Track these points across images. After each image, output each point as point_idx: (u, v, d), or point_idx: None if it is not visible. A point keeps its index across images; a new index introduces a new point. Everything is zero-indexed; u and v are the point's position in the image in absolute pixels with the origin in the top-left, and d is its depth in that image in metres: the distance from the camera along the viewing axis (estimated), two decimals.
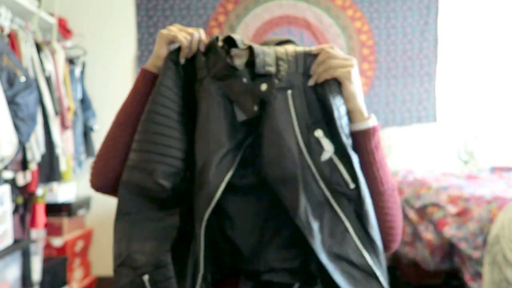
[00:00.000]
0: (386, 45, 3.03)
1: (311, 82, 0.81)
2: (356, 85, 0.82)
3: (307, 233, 0.75)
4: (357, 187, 0.77)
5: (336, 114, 0.79)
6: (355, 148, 0.82)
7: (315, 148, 0.77)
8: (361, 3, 3.02)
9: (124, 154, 0.87)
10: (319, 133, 0.78)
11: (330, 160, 0.77)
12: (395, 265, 2.66)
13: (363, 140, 0.82)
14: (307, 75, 0.82)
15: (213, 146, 0.78)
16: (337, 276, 0.75)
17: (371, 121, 0.83)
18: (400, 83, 3.03)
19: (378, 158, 0.83)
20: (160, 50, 0.87)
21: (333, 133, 0.79)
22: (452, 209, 1.89)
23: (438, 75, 3.02)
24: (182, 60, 0.86)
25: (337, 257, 0.76)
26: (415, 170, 2.54)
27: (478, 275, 1.71)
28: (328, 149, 0.77)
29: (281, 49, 0.84)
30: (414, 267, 2.27)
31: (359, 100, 0.82)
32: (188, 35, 0.87)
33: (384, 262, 0.78)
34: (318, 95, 0.80)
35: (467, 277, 1.76)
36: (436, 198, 2.00)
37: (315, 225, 0.75)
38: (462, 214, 1.84)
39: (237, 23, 3.01)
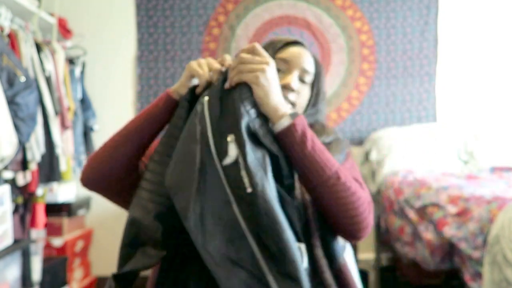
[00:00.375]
0: (386, 45, 3.03)
1: (225, 86, 0.84)
2: (265, 88, 0.83)
3: (193, 237, 0.75)
4: (254, 191, 0.75)
5: (246, 118, 0.80)
6: (284, 148, 0.84)
7: (225, 153, 0.78)
8: (361, 3, 3.02)
9: (120, 163, 0.92)
10: (231, 137, 0.78)
11: (235, 164, 0.77)
12: (395, 265, 2.66)
13: (287, 139, 0.83)
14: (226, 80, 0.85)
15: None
16: (229, 282, 0.74)
17: (285, 120, 0.83)
18: (400, 83, 3.03)
19: (308, 151, 0.83)
20: (185, 81, 0.90)
21: (250, 137, 0.80)
22: (452, 209, 1.89)
23: (438, 75, 3.02)
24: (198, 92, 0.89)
25: (232, 263, 0.74)
26: (415, 170, 2.54)
27: (478, 275, 1.71)
28: (232, 154, 0.77)
29: None
30: (414, 267, 2.27)
31: (270, 102, 0.83)
32: (210, 69, 0.88)
33: (293, 270, 0.74)
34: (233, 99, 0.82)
35: (467, 277, 1.76)
36: (436, 198, 2.01)
37: (210, 228, 0.75)
38: (462, 214, 1.84)
39: (237, 23, 3.01)
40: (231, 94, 0.82)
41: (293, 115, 0.84)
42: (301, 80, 1.02)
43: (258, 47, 0.86)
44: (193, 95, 0.88)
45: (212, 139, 0.78)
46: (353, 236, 0.89)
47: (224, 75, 0.85)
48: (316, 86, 1.06)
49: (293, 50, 1.03)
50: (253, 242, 0.74)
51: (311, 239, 0.87)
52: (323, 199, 0.85)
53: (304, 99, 1.03)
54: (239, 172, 0.76)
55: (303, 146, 0.83)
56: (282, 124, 0.83)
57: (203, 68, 0.88)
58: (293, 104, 1.00)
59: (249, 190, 0.75)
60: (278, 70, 0.99)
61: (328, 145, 0.97)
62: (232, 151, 0.77)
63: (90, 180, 0.96)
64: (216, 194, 0.76)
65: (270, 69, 0.84)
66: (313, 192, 0.86)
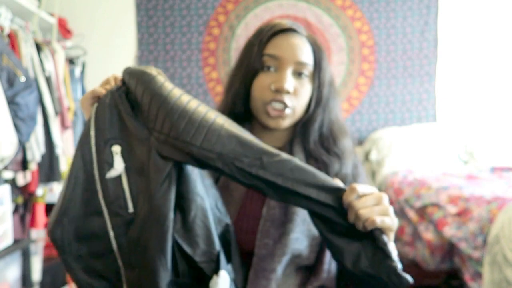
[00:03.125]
0: (386, 45, 3.03)
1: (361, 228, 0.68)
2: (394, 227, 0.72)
3: (59, 251, 0.71)
4: (135, 213, 0.70)
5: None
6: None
7: (106, 163, 0.70)
8: (361, 3, 3.02)
9: None
10: (116, 148, 0.71)
11: (117, 178, 0.70)
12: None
13: None
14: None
15: None
16: None
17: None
18: (400, 83, 3.03)
19: None
20: (86, 114, 0.77)
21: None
22: (452, 209, 1.89)
23: (438, 75, 3.02)
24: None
25: (98, 274, 0.72)
26: (415, 170, 2.54)
27: (478, 275, 1.71)
28: (118, 168, 0.70)
29: None
30: (414, 267, 2.27)
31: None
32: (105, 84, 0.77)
33: None
34: (124, 110, 0.72)
35: (467, 277, 1.76)
36: (436, 198, 2.00)
37: (76, 246, 0.71)
38: (462, 214, 1.84)
39: (237, 23, 3.01)
40: (116, 105, 0.72)
41: None
42: (298, 74, 0.88)
43: (360, 188, 0.68)
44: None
45: (95, 147, 0.71)
46: None
47: (122, 82, 0.75)
48: (317, 78, 0.90)
49: (283, 42, 0.87)
50: (120, 261, 0.70)
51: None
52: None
53: (307, 97, 0.89)
54: (121, 187, 0.70)
55: None
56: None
57: (98, 89, 0.76)
58: (291, 108, 0.87)
59: (130, 210, 0.69)
60: (268, 69, 0.87)
61: (355, 180, 0.89)
62: (119, 164, 0.70)
63: None
64: (90, 206, 0.71)
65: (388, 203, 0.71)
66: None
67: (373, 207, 0.68)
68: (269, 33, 0.88)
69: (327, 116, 0.91)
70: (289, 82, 0.86)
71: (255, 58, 0.88)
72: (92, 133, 0.71)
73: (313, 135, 0.91)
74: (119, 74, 0.76)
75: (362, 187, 0.69)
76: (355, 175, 0.91)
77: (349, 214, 0.68)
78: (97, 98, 0.74)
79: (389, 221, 0.69)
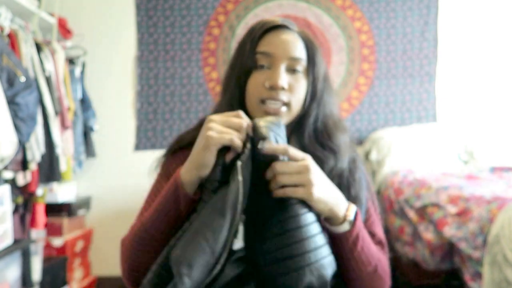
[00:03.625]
0: (386, 45, 3.03)
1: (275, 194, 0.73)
2: (322, 199, 0.74)
3: None
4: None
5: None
6: (334, 244, 0.79)
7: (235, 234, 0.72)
8: (361, 3, 3.02)
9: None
10: (242, 218, 0.74)
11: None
12: (395, 265, 2.65)
13: (340, 241, 0.79)
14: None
15: None
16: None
17: (345, 226, 0.78)
18: (400, 83, 3.03)
19: (357, 252, 0.80)
20: (209, 158, 0.73)
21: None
22: (452, 209, 1.89)
23: (438, 75, 3.02)
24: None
25: None
26: (415, 170, 2.54)
27: (478, 275, 1.71)
28: (239, 238, 0.73)
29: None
30: (414, 267, 2.27)
31: (327, 207, 0.76)
32: (239, 130, 0.74)
33: None
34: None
35: (467, 277, 1.76)
36: (436, 198, 2.00)
37: None
38: (462, 214, 1.84)
39: (237, 23, 3.01)
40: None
41: (353, 215, 0.79)
42: (292, 70, 0.87)
43: (291, 150, 0.74)
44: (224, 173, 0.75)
45: (239, 214, 0.69)
46: None
47: (251, 142, 0.73)
48: (311, 73, 0.89)
49: (275, 39, 0.87)
50: None
51: None
52: (354, 285, 0.84)
53: (302, 92, 0.88)
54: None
55: (353, 249, 0.80)
56: (340, 228, 0.78)
57: (227, 133, 0.73)
58: (287, 104, 0.87)
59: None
60: (262, 67, 0.87)
61: (351, 175, 0.90)
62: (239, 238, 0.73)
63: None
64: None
65: (315, 171, 0.74)
66: (348, 280, 0.84)
67: (292, 174, 0.72)
68: (260, 31, 0.88)
69: (321, 111, 0.91)
70: (283, 78, 0.85)
71: (248, 57, 0.88)
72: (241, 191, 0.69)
73: (308, 130, 0.90)
74: (244, 117, 0.75)
75: (294, 151, 0.74)
76: (352, 169, 0.91)
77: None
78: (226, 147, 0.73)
79: (302, 192, 0.72)
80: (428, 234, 1.96)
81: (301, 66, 0.88)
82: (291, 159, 0.74)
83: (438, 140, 2.77)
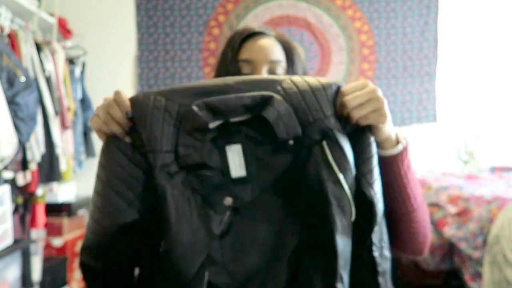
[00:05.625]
0: (386, 45, 3.03)
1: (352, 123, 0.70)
2: (388, 118, 0.74)
3: None
4: None
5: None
6: (387, 173, 0.77)
7: None
8: (361, 3, 3.02)
9: None
10: None
11: None
12: (395, 265, 2.65)
13: (395, 164, 0.78)
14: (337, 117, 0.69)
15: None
16: None
17: (401, 145, 0.78)
18: (400, 83, 3.03)
19: (411, 177, 0.80)
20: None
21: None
22: (452, 209, 1.89)
23: (438, 75, 3.02)
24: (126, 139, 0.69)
25: None
26: (415, 170, 2.54)
27: (478, 275, 1.71)
28: None
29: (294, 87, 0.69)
30: (414, 267, 2.27)
31: (387, 130, 0.75)
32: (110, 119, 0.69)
33: None
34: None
35: (467, 277, 1.76)
36: (436, 198, 2.00)
37: None
38: (462, 214, 1.84)
39: (237, 23, 3.01)
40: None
41: (405, 140, 0.80)
42: (273, 72, 0.93)
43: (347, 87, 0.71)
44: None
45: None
46: (419, 253, 0.87)
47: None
48: (291, 71, 0.95)
49: (253, 46, 0.93)
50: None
51: None
52: (412, 222, 0.82)
53: None
54: None
55: (407, 171, 0.79)
56: (395, 150, 0.78)
57: (108, 125, 0.69)
58: None
59: None
60: (246, 74, 0.91)
61: None
62: None
63: None
64: None
65: (380, 93, 0.72)
66: (402, 218, 0.81)
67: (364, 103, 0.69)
68: (239, 40, 0.93)
69: None
70: None
71: (230, 66, 0.93)
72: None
73: None
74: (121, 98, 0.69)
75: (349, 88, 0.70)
76: None
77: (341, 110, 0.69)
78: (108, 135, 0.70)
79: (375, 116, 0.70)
80: None
81: (281, 67, 0.93)
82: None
83: (438, 140, 2.77)
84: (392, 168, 0.78)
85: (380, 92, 0.71)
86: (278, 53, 0.93)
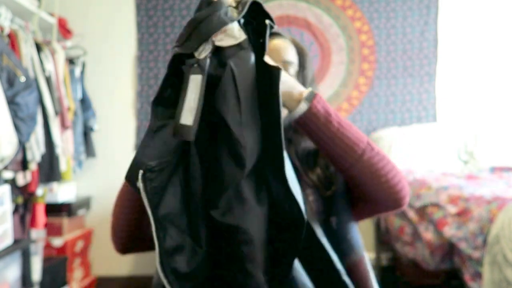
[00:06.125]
0: (386, 45, 3.03)
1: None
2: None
3: None
4: None
5: None
6: (309, 133, 0.78)
7: None
8: (361, 3, 3.02)
9: (139, 224, 0.87)
10: None
11: None
12: (395, 265, 2.66)
13: (310, 123, 0.77)
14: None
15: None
16: None
17: (303, 104, 0.76)
18: (400, 83, 3.03)
19: (336, 129, 0.77)
20: None
21: None
22: (452, 209, 1.89)
23: (438, 75, 3.02)
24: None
25: None
26: (415, 170, 2.54)
27: (478, 275, 1.71)
28: None
29: None
30: (414, 267, 2.27)
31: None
32: None
33: None
34: None
35: (467, 277, 1.76)
36: (436, 198, 2.00)
37: None
38: (462, 214, 1.84)
39: None
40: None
41: (310, 95, 0.77)
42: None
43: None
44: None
45: None
46: (397, 205, 0.84)
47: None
48: (302, 76, 0.98)
49: (269, 44, 0.94)
50: None
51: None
52: (362, 175, 0.80)
53: None
54: None
55: (329, 126, 0.77)
56: (301, 109, 0.76)
57: None
58: None
59: None
60: None
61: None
62: None
63: (127, 248, 0.93)
64: None
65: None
66: (350, 171, 0.80)
67: None
68: None
69: None
70: None
71: None
72: None
73: (285, 121, 0.96)
74: None
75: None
76: None
77: None
78: None
79: None
80: (428, 234, 1.96)
81: (293, 69, 0.95)
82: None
83: (438, 140, 2.77)
84: (311, 128, 0.78)
85: None
86: (291, 55, 0.95)
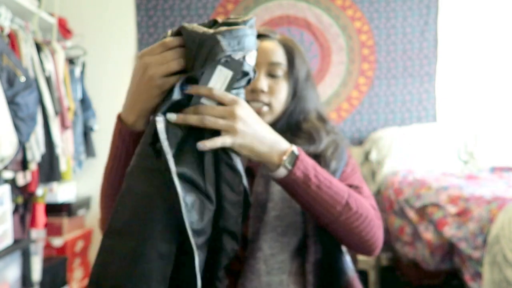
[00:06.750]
0: (386, 45, 3.03)
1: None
2: (249, 137, 0.72)
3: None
4: None
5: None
6: (287, 191, 0.80)
7: None
8: (361, 3, 3.02)
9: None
10: None
11: None
12: (395, 265, 2.65)
13: (288, 186, 0.78)
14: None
15: None
16: None
17: (282, 170, 0.76)
18: (400, 83, 3.03)
19: (314, 192, 0.78)
20: (155, 91, 0.71)
21: None
22: (452, 209, 1.89)
23: (438, 75, 3.02)
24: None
25: None
26: (415, 170, 2.54)
27: (478, 275, 1.71)
28: None
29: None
30: (414, 267, 2.27)
31: (260, 151, 0.74)
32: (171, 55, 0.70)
33: None
34: None
35: (467, 277, 1.76)
36: (436, 198, 2.00)
37: None
38: (462, 214, 1.84)
39: None
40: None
41: (291, 160, 0.76)
42: (273, 75, 0.95)
43: (216, 92, 0.69)
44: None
45: None
46: (368, 253, 0.88)
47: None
48: (292, 76, 0.97)
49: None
50: None
51: (307, 255, 0.88)
52: (338, 232, 0.83)
53: (283, 93, 0.96)
54: None
55: (308, 190, 0.78)
56: (278, 174, 0.77)
57: (167, 62, 0.69)
58: (268, 105, 0.94)
59: None
60: None
61: (324, 152, 0.92)
62: None
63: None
64: None
65: (242, 116, 0.71)
66: (328, 227, 0.83)
67: (218, 119, 0.69)
68: None
69: (301, 106, 0.98)
70: (263, 81, 0.94)
71: None
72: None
73: (281, 122, 0.97)
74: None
75: (222, 93, 0.69)
76: (332, 153, 0.93)
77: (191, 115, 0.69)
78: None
79: (228, 139, 0.70)
80: (428, 234, 1.96)
81: (281, 70, 0.96)
82: (219, 102, 0.70)
83: (438, 140, 2.77)
84: (289, 190, 0.80)
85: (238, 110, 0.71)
86: (278, 56, 0.96)
